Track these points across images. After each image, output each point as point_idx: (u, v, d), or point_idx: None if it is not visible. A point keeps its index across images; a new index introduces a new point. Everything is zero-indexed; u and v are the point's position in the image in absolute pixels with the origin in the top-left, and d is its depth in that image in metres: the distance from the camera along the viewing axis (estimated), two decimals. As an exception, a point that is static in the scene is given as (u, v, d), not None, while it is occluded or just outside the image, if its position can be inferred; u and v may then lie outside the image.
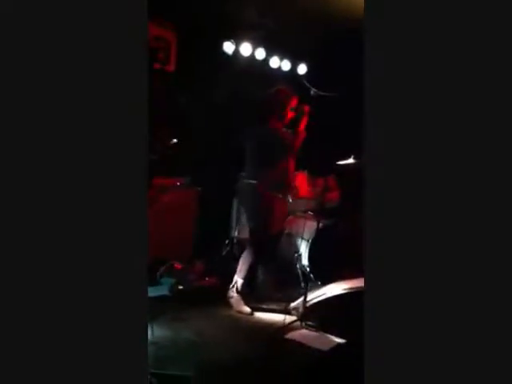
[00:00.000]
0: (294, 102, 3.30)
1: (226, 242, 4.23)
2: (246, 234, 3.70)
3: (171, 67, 4.21)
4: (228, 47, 4.26)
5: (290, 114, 3.30)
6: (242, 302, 3.25)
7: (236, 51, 4.30)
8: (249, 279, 3.36)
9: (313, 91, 3.29)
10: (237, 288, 3.29)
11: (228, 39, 4.24)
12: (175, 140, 3.00)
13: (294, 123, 3.33)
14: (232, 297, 3.29)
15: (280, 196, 3.33)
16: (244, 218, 3.77)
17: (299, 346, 2.71)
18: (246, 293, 3.34)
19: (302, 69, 4.78)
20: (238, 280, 3.29)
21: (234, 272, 3.35)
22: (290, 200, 3.52)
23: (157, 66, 4.06)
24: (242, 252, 3.46)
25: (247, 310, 3.22)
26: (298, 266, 3.89)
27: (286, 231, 3.65)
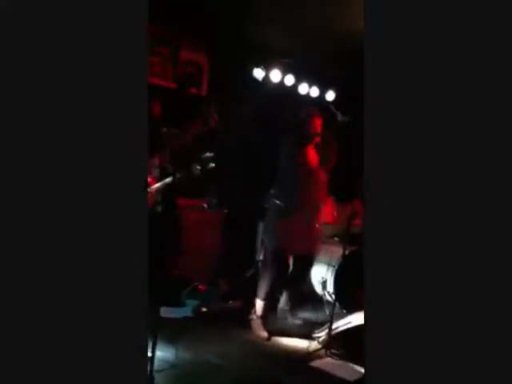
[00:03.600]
0: (318, 122, 3.31)
1: (251, 264, 4.21)
2: (269, 255, 3.67)
3: (203, 91, 4.32)
4: (258, 73, 4.34)
5: (317, 138, 3.31)
6: (260, 326, 3.20)
7: (266, 77, 4.38)
8: (270, 301, 3.31)
9: (340, 117, 3.30)
10: (255, 310, 3.24)
11: (258, 65, 4.33)
12: (213, 164, 3.01)
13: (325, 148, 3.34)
14: (252, 319, 3.25)
15: (307, 219, 3.30)
16: (268, 239, 3.75)
17: (323, 374, 2.64)
18: (267, 316, 3.29)
19: (330, 95, 4.82)
20: (258, 301, 3.25)
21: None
22: (317, 225, 3.49)
23: (193, 90, 4.17)
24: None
25: (264, 334, 3.15)
26: (323, 292, 3.82)
27: (312, 255, 3.60)
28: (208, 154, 3.00)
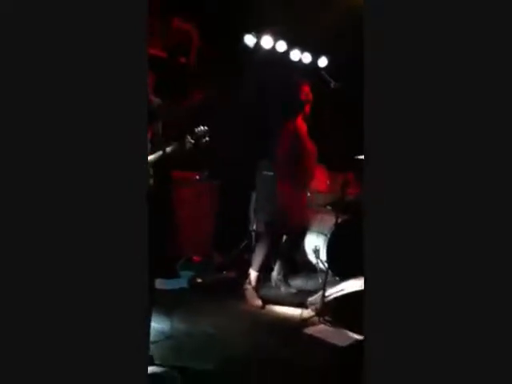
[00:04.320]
0: (306, 89, 3.27)
1: (245, 235, 4.24)
2: (263, 227, 3.70)
3: (192, 61, 4.22)
4: (249, 40, 4.23)
5: (307, 106, 3.28)
6: (255, 295, 3.26)
7: (257, 44, 4.28)
8: (264, 272, 3.35)
9: (333, 84, 3.25)
10: (250, 280, 3.29)
11: (249, 32, 4.21)
12: (207, 139, 2.95)
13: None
14: (246, 289, 3.30)
15: (298, 189, 3.31)
16: (261, 210, 3.77)
17: (316, 341, 2.71)
18: (261, 285, 3.34)
19: (323, 61, 4.72)
20: (252, 272, 3.30)
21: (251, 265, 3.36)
22: (309, 194, 3.50)
23: (182, 60, 4.07)
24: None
25: (259, 303, 3.22)
26: (316, 260, 3.87)
27: (305, 225, 3.62)
28: (202, 128, 2.94)
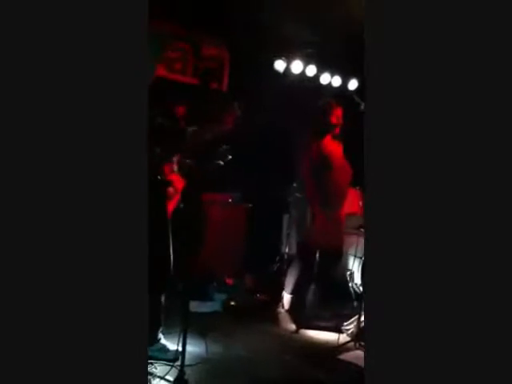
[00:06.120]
0: (338, 112, 3.27)
1: (277, 258, 4.22)
2: (295, 250, 3.68)
3: (224, 86, 4.32)
4: (279, 65, 4.30)
5: (337, 129, 3.28)
6: (288, 319, 3.22)
7: (287, 69, 4.34)
8: (298, 295, 3.31)
9: (363, 106, 3.25)
10: (283, 304, 3.25)
11: (279, 57, 4.29)
12: (230, 156, 3.00)
13: None
14: (279, 313, 3.26)
15: (330, 210, 3.28)
16: (294, 233, 3.75)
17: (353, 367, 2.63)
18: (295, 309, 3.30)
19: (353, 84, 4.74)
20: (285, 295, 3.27)
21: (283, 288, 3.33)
22: (342, 216, 3.46)
23: (214, 85, 4.18)
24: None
25: (292, 327, 3.17)
26: (350, 284, 3.80)
27: (340, 248, 3.56)
28: (224, 147, 2.97)
